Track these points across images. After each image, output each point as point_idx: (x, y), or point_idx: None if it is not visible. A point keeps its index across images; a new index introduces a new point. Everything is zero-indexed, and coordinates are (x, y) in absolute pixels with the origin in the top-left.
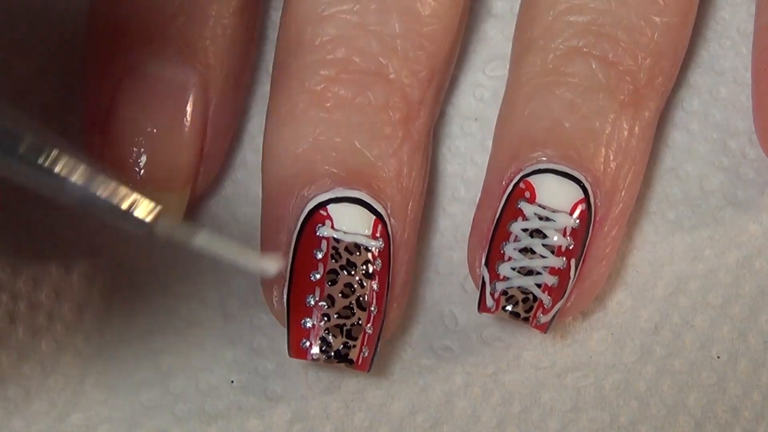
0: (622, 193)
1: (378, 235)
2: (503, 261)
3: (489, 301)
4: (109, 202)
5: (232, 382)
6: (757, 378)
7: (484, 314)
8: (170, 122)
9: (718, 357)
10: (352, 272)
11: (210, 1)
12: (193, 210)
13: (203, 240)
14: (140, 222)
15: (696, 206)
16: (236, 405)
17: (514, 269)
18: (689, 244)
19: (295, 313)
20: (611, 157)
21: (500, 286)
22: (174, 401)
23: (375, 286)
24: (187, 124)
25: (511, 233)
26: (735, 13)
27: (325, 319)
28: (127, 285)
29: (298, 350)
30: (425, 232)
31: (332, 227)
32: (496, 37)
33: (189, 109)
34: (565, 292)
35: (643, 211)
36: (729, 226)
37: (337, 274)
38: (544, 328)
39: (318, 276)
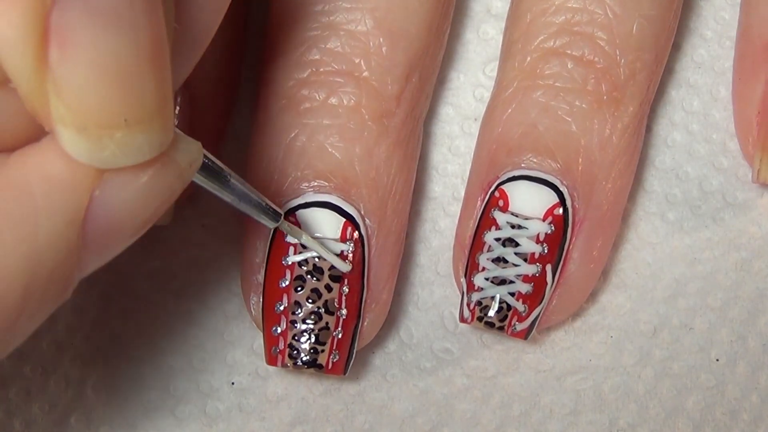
0: (607, 192)
1: (348, 237)
2: (478, 271)
3: (465, 312)
4: (256, 198)
5: (233, 383)
6: (756, 381)
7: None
8: None
9: (717, 360)
10: (319, 277)
11: None
12: (195, 210)
13: (306, 240)
14: (273, 215)
15: (695, 207)
16: (237, 406)
17: (487, 279)
18: (688, 245)
19: (267, 320)
20: (589, 158)
21: (475, 296)
22: (175, 403)
23: (345, 290)
24: (175, 123)
25: (485, 243)
26: (735, 13)
27: (293, 325)
28: (127, 286)
29: (270, 357)
30: (425, 233)
31: (315, 239)
32: (496, 37)
33: (176, 110)
34: (542, 298)
35: (642, 212)
36: (728, 227)
37: (304, 280)
38: (523, 335)
39: (285, 283)
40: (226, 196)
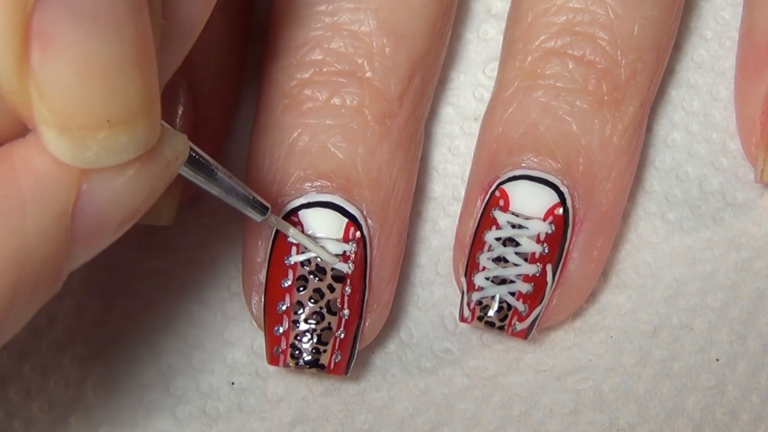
0: (607, 192)
1: (350, 238)
2: (478, 271)
3: (466, 312)
4: (243, 191)
5: (233, 383)
6: (756, 381)
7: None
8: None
9: (717, 360)
10: (322, 277)
11: None
12: (195, 210)
13: (293, 233)
14: (260, 208)
15: (695, 207)
16: (237, 406)
17: (488, 279)
18: (689, 245)
19: (269, 320)
20: (590, 158)
21: (475, 296)
22: (175, 403)
23: (347, 290)
24: (178, 123)
25: (485, 243)
26: (735, 13)
27: (295, 325)
28: (127, 286)
29: (272, 357)
30: (425, 233)
31: (303, 233)
32: (496, 37)
33: (179, 111)
34: (543, 297)
35: (642, 213)
36: (728, 227)
37: (307, 280)
38: (523, 335)
39: (288, 283)
40: (213, 189)
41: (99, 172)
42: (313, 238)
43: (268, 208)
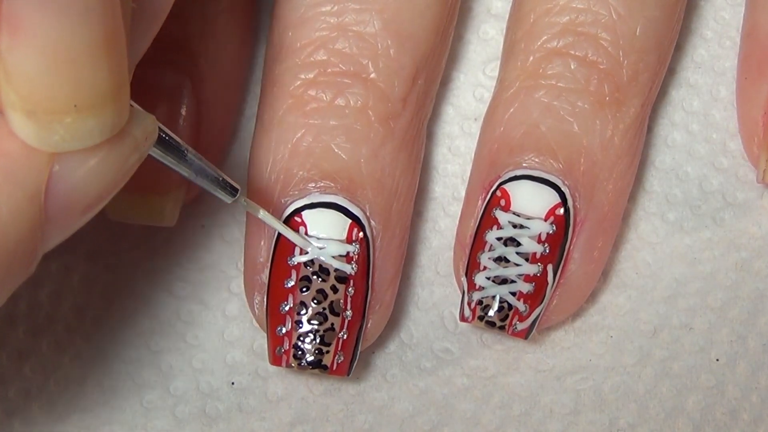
0: (608, 193)
1: (354, 239)
2: (479, 270)
3: (466, 311)
4: (213, 173)
5: (233, 383)
6: (756, 381)
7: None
8: (165, 124)
9: (717, 360)
10: (325, 278)
11: (198, 2)
12: (195, 210)
13: (263, 215)
14: (230, 190)
15: (695, 207)
16: (237, 406)
17: (489, 278)
18: (688, 245)
19: (272, 320)
20: (591, 158)
21: (476, 296)
22: (175, 403)
23: (350, 291)
24: (182, 125)
25: (486, 242)
26: (735, 13)
27: (298, 326)
28: (127, 286)
29: (275, 357)
30: (425, 233)
31: (306, 233)
32: (496, 37)
33: (183, 111)
34: (543, 297)
35: (642, 213)
36: (728, 227)
37: (310, 280)
38: (523, 335)
39: (291, 283)
40: (184, 171)
41: (70, 153)
42: (292, 231)
43: (238, 190)
